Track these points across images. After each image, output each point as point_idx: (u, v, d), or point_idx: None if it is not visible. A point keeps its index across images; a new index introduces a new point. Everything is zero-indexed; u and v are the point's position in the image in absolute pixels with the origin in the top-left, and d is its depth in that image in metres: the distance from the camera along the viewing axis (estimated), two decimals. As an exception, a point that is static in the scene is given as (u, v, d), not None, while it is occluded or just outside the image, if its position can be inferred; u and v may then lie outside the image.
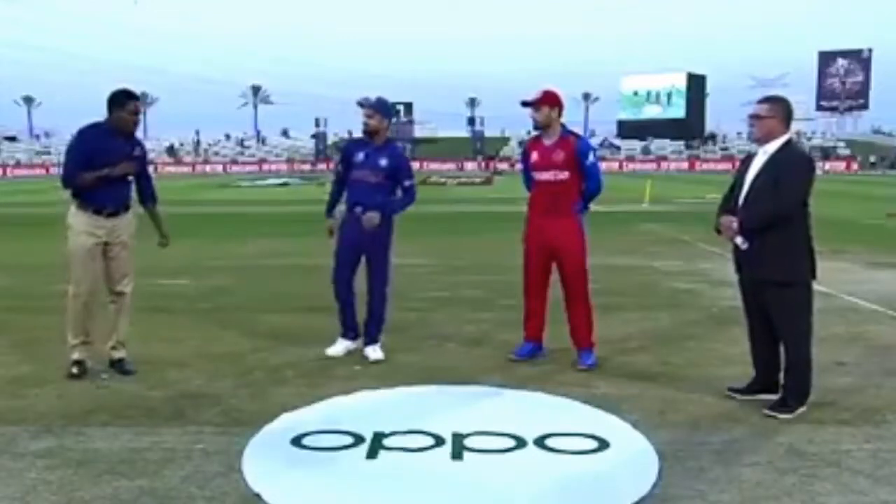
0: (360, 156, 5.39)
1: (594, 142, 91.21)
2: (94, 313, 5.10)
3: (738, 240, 4.34)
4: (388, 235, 5.47)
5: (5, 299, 7.93)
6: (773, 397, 4.37)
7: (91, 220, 4.96)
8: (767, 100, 4.39)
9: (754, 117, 4.31)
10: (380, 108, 5.41)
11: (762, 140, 4.29)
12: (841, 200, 24.81)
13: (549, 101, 5.17)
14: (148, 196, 5.40)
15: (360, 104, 5.40)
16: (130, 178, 5.15)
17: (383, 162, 5.34)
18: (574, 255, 5.23)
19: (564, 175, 5.15)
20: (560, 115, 5.22)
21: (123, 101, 4.99)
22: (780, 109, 4.28)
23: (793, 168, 4.20)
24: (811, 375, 4.32)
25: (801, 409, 4.26)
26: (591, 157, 5.23)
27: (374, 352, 5.48)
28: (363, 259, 5.49)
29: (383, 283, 5.50)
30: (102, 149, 4.94)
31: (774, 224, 4.17)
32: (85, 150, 4.96)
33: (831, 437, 3.96)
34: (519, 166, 5.63)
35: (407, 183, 5.46)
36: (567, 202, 5.20)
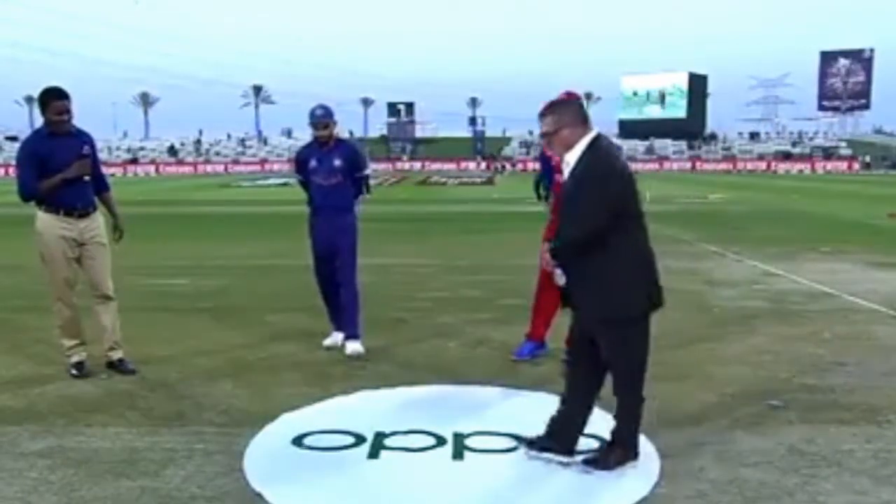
0: (313, 162, 5.56)
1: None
2: (80, 314, 5.09)
3: (557, 272, 3.57)
4: (354, 234, 5.62)
5: (7, 299, 7.93)
6: (564, 459, 3.64)
7: (63, 223, 4.88)
8: (548, 111, 3.55)
9: (544, 136, 3.62)
10: (331, 116, 5.55)
11: (564, 155, 3.55)
12: (842, 200, 24.81)
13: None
14: (100, 185, 5.19)
15: (315, 122, 5.46)
16: (87, 178, 4.98)
17: (337, 163, 5.50)
18: None
19: None
20: None
21: (48, 103, 4.82)
22: (565, 114, 3.51)
23: (584, 181, 3.39)
24: (640, 425, 3.66)
25: (630, 464, 3.57)
26: None
27: (353, 346, 5.53)
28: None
29: (352, 280, 5.61)
30: (50, 153, 4.82)
31: (585, 251, 3.40)
32: (34, 159, 4.83)
33: (832, 436, 3.95)
34: (530, 166, 5.59)
35: (357, 174, 5.66)
36: None
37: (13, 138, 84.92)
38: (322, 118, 5.47)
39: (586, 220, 3.36)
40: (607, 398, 4.55)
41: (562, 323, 5.44)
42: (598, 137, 3.46)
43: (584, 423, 3.70)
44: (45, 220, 4.90)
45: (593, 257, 3.39)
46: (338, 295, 5.67)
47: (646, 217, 3.52)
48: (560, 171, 5.20)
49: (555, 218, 5.34)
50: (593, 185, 3.36)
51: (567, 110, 3.53)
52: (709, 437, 3.96)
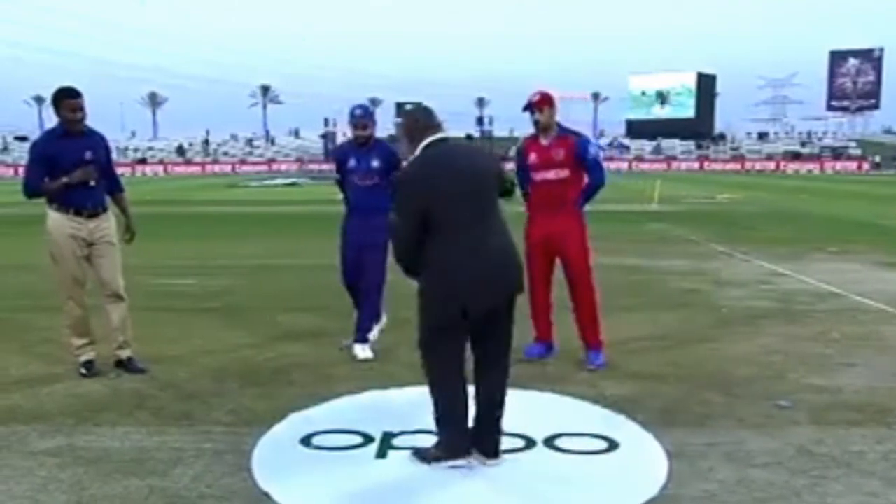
0: (352, 161, 5.56)
1: (603, 142, 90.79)
2: (90, 313, 5.12)
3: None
4: (384, 235, 5.52)
5: (17, 299, 7.98)
6: (495, 462, 3.58)
7: (73, 222, 4.91)
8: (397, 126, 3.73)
9: None
10: (372, 117, 5.63)
11: None
12: (851, 200, 24.71)
13: (549, 101, 5.20)
14: (113, 186, 5.23)
15: (355, 122, 5.54)
16: (92, 182, 4.97)
17: (375, 163, 5.50)
18: (578, 253, 5.24)
19: (565, 173, 5.17)
20: (555, 114, 5.24)
21: (61, 101, 4.85)
22: (400, 131, 3.61)
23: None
24: (449, 433, 3.56)
25: (443, 464, 3.53)
26: (591, 152, 5.23)
27: (362, 350, 5.51)
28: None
29: (379, 283, 5.56)
30: (60, 153, 4.85)
31: (411, 261, 3.47)
32: (40, 158, 4.88)
33: (842, 437, 3.93)
34: (512, 165, 5.62)
35: (392, 175, 5.64)
36: (568, 199, 5.22)
37: (23, 138, 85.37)
38: (362, 118, 5.51)
39: (395, 229, 3.45)
40: (612, 398, 4.56)
41: (566, 322, 5.44)
42: (427, 146, 3.46)
43: (479, 418, 3.58)
44: (55, 220, 4.93)
45: (423, 266, 3.42)
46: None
47: (472, 224, 3.41)
48: (537, 170, 5.25)
49: (533, 215, 5.36)
50: (397, 192, 3.47)
51: (399, 129, 3.60)
52: (717, 437, 3.95)
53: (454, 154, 3.53)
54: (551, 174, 5.19)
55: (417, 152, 3.49)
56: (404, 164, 3.59)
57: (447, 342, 3.48)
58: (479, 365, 3.64)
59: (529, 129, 5.44)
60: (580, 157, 5.17)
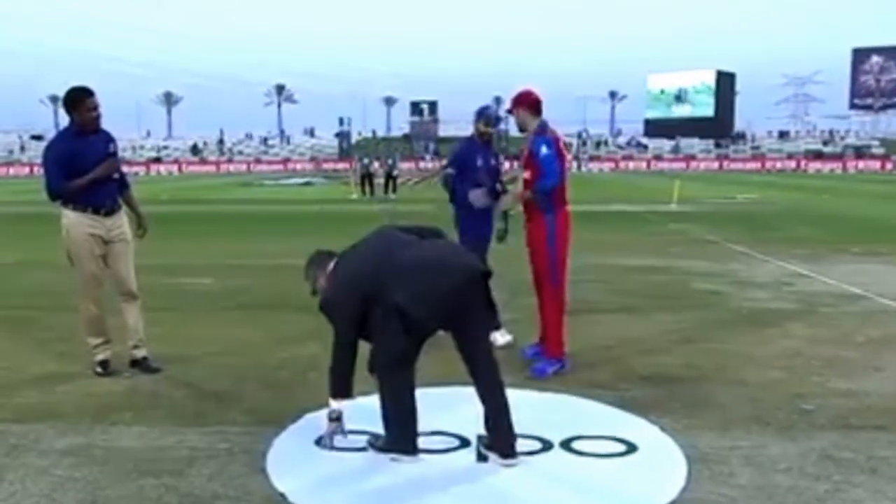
0: (480, 160, 5.86)
1: (621, 140, 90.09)
2: (107, 313, 5.13)
3: None
4: (490, 227, 5.83)
5: (33, 297, 8.03)
6: (512, 462, 3.60)
7: (91, 220, 4.93)
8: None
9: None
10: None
11: None
12: (874, 200, 24.41)
13: (518, 102, 5.15)
14: (121, 184, 5.24)
15: (487, 119, 5.88)
16: (117, 175, 5.08)
17: (493, 161, 5.93)
18: (539, 255, 5.11)
19: (527, 174, 5.11)
20: (533, 114, 5.11)
21: (82, 100, 4.87)
22: (308, 269, 4.04)
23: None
24: (394, 435, 3.70)
25: (391, 454, 3.67)
26: (543, 151, 4.98)
27: (501, 337, 5.63)
28: None
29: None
30: (78, 152, 4.87)
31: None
32: (63, 158, 4.88)
33: (866, 442, 3.85)
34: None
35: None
36: (532, 201, 5.09)
37: (38, 137, 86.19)
38: (496, 114, 5.90)
39: (336, 341, 3.73)
40: (630, 401, 4.50)
41: (577, 324, 5.39)
42: (333, 270, 3.84)
43: (487, 419, 3.68)
44: (73, 219, 4.94)
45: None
46: None
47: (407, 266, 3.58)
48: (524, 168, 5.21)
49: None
50: (328, 315, 3.79)
51: (310, 265, 3.98)
52: (737, 440, 3.88)
53: (355, 260, 3.81)
54: (522, 174, 5.21)
55: (329, 273, 3.82)
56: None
57: (401, 352, 3.63)
58: (469, 365, 3.78)
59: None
60: (534, 157, 5.00)
